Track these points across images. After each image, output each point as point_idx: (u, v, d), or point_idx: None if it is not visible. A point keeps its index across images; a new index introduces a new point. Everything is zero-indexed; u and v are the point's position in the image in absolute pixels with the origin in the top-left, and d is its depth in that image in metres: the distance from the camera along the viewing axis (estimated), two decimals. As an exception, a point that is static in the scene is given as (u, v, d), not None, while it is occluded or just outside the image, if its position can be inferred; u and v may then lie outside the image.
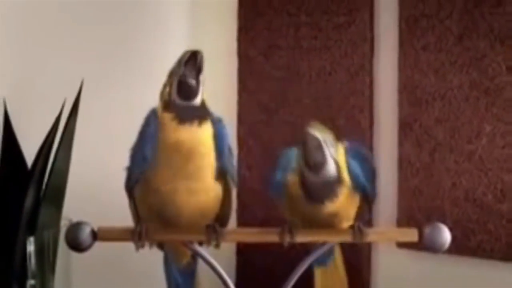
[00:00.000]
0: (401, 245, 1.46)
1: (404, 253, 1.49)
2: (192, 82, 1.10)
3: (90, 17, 1.55)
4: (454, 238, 1.17)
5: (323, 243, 1.18)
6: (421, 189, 1.48)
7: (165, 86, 1.13)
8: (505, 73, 1.39)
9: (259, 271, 1.64)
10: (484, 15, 1.40)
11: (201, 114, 1.11)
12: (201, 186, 1.13)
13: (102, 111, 1.54)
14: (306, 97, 1.61)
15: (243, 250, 1.67)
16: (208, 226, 1.15)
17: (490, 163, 1.41)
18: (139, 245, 1.13)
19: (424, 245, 1.16)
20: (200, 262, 1.20)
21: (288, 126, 1.62)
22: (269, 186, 1.18)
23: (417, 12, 1.48)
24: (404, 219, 1.50)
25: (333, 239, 1.18)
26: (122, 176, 1.17)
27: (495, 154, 1.41)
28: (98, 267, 1.45)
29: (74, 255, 1.19)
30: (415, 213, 1.49)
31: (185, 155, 1.10)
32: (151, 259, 1.29)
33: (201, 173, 1.12)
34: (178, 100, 1.11)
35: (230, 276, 1.19)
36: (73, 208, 1.33)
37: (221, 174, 1.15)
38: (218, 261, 1.17)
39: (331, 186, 1.10)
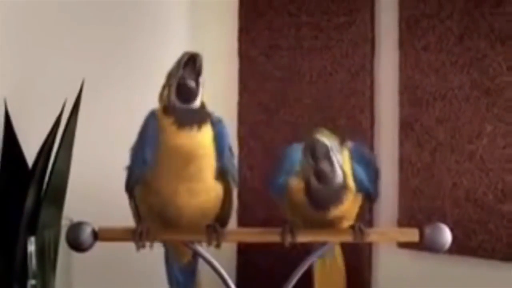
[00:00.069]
0: (402, 245, 1.46)
1: (405, 253, 1.49)
2: (192, 84, 1.10)
3: (90, 17, 1.55)
4: (455, 238, 1.17)
5: (324, 243, 1.18)
6: (421, 189, 1.48)
7: (164, 88, 1.12)
8: (506, 73, 1.39)
9: (260, 271, 1.64)
10: (484, 15, 1.40)
11: (201, 117, 1.11)
12: (202, 186, 1.13)
13: (103, 111, 1.54)
14: (307, 97, 1.61)
15: (244, 250, 1.67)
16: (208, 226, 1.15)
17: (491, 163, 1.41)
18: (140, 245, 1.13)
19: (425, 245, 1.16)
20: (201, 261, 1.20)
21: (288, 126, 1.62)
22: (271, 187, 1.18)
23: (417, 12, 1.48)
24: (405, 219, 1.50)
25: (334, 239, 1.18)
26: (122, 176, 1.17)
27: (496, 154, 1.40)
28: (98, 267, 1.45)
29: (75, 255, 1.19)
30: (415, 213, 1.49)
31: (185, 159, 1.10)
32: (152, 259, 1.29)
33: (202, 174, 1.12)
34: (177, 103, 1.10)
35: (230, 276, 1.19)
36: (74, 208, 1.33)
37: (222, 174, 1.15)
38: (218, 261, 1.17)
39: (337, 194, 1.10)
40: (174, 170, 1.11)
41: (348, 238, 1.16)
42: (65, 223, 1.28)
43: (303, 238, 1.16)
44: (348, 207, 1.13)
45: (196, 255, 1.20)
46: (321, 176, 1.08)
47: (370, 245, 1.54)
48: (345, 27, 1.56)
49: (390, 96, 1.53)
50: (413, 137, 1.49)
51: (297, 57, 1.62)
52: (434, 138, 1.47)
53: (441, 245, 1.15)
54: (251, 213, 1.65)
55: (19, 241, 1.28)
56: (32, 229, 1.28)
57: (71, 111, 1.34)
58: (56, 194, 1.32)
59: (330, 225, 1.15)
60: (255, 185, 1.65)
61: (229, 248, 1.64)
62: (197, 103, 1.11)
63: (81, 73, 1.37)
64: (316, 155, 1.08)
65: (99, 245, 1.15)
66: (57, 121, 1.33)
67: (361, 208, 1.17)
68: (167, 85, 1.12)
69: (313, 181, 1.09)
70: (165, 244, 1.23)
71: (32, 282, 1.27)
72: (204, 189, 1.13)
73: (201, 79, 1.11)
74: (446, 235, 1.15)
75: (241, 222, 1.65)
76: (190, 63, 1.10)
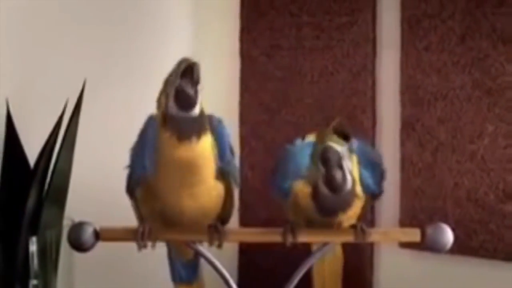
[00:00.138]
0: (404, 245, 1.46)
1: (407, 253, 1.49)
2: (190, 92, 1.08)
3: (92, 17, 1.55)
4: (456, 238, 1.17)
5: (326, 243, 1.18)
6: (423, 189, 1.48)
7: (161, 94, 1.11)
8: (508, 73, 1.39)
9: (262, 271, 1.64)
10: (486, 15, 1.40)
11: (200, 126, 1.09)
12: (203, 189, 1.12)
13: (105, 111, 1.54)
14: (308, 97, 1.61)
15: (245, 250, 1.67)
16: (210, 226, 1.15)
17: (492, 163, 1.41)
18: (141, 245, 1.13)
19: (426, 245, 1.16)
20: (203, 259, 1.20)
21: (290, 126, 1.62)
22: (274, 190, 1.17)
23: (419, 12, 1.48)
24: (407, 219, 1.50)
25: (336, 239, 1.18)
26: (124, 176, 1.17)
27: (497, 154, 1.40)
28: (100, 267, 1.45)
29: (77, 255, 1.19)
30: (417, 213, 1.49)
31: (185, 169, 1.10)
32: (153, 259, 1.29)
33: (202, 179, 1.12)
34: (175, 111, 1.08)
35: (232, 276, 1.19)
36: (76, 208, 1.33)
37: (223, 174, 1.15)
38: (220, 261, 1.17)
39: (345, 201, 1.10)
40: (174, 178, 1.11)
41: (350, 238, 1.16)
42: (66, 223, 1.28)
43: (304, 238, 1.16)
44: (353, 211, 1.13)
45: (197, 254, 1.20)
46: (332, 184, 1.08)
47: (371, 245, 1.54)
48: (347, 27, 1.56)
49: (392, 96, 1.53)
50: (415, 137, 1.49)
51: (299, 57, 1.62)
52: (435, 138, 1.47)
53: (443, 245, 1.15)
54: (253, 213, 1.65)
55: (20, 241, 1.28)
56: (34, 229, 1.28)
57: (72, 111, 1.34)
58: (58, 194, 1.32)
59: (333, 226, 1.15)
60: (257, 185, 1.65)
61: (230, 248, 1.64)
62: (196, 111, 1.09)
63: (83, 73, 1.37)
64: (328, 163, 1.08)
65: (101, 245, 1.16)
66: (59, 121, 1.33)
67: (364, 207, 1.17)
68: (164, 92, 1.10)
69: (322, 187, 1.09)
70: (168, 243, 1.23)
71: (33, 282, 1.28)
72: (205, 190, 1.13)
73: (199, 87, 1.09)
74: (448, 235, 1.15)
75: (243, 222, 1.65)
76: (188, 73, 1.08)
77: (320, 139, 1.12)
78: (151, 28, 1.68)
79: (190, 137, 1.08)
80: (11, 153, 1.31)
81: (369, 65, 1.55)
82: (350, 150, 1.11)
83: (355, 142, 1.13)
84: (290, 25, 1.63)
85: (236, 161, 1.21)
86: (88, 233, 1.14)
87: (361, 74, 1.55)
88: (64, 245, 1.24)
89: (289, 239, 1.15)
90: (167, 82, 1.10)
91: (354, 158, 1.12)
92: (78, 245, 1.14)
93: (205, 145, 1.10)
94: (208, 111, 1.12)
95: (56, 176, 1.32)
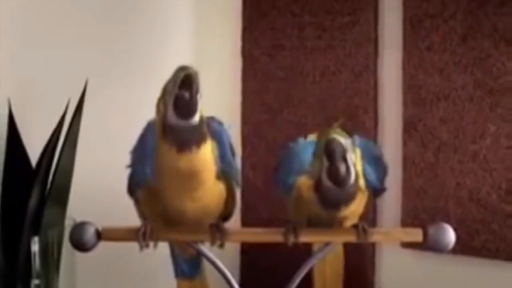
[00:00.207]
0: (406, 245, 1.46)
1: (409, 253, 1.49)
2: (190, 102, 1.06)
3: (94, 17, 1.55)
4: (458, 238, 1.17)
5: (327, 243, 1.18)
6: (425, 189, 1.48)
7: (159, 101, 1.09)
8: (510, 73, 1.39)
9: (263, 271, 1.64)
10: (488, 15, 1.40)
11: (199, 135, 1.08)
12: (204, 190, 1.12)
13: (107, 111, 1.54)
14: (310, 97, 1.61)
15: (247, 250, 1.67)
16: (212, 226, 1.15)
17: (495, 163, 1.41)
18: (143, 245, 1.13)
19: (428, 245, 1.16)
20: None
21: (292, 125, 1.62)
22: (278, 186, 1.17)
23: (421, 12, 1.47)
24: (409, 219, 1.50)
25: (337, 239, 1.18)
26: (126, 177, 1.17)
27: (499, 154, 1.40)
28: (102, 266, 1.45)
29: (79, 254, 1.19)
30: (419, 213, 1.49)
31: (186, 177, 1.09)
32: (155, 259, 1.29)
33: (203, 182, 1.11)
34: (175, 120, 1.07)
35: (234, 276, 1.19)
36: (77, 208, 1.33)
37: (224, 174, 1.15)
38: (222, 261, 1.17)
39: (348, 194, 1.10)
40: (175, 184, 1.10)
41: (352, 238, 1.16)
42: (68, 223, 1.28)
43: (306, 238, 1.16)
44: (356, 206, 1.13)
45: (199, 254, 1.20)
46: (336, 177, 1.07)
47: (373, 245, 1.54)
48: (349, 27, 1.56)
49: (394, 96, 1.53)
50: (417, 137, 1.49)
51: (301, 57, 1.62)
52: (437, 138, 1.47)
53: (445, 245, 1.15)
54: (255, 213, 1.65)
55: (22, 240, 1.28)
56: (36, 229, 1.28)
57: (74, 111, 1.34)
58: (59, 194, 1.32)
59: (335, 223, 1.15)
60: (259, 184, 1.65)
61: (232, 248, 1.64)
62: (195, 119, 1.08)
63: (85, 73, 1.37)
64: (332, 155, 1.07)
65: (103, 245, 1.16)
66: (61, 121, 1.33)
67: (367, 205, 1.17)
68: (162, 99, 1.09)
69: (325, 180, 1.08)
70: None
71: (35, 281, 1.28)
72: (206, 191, 1.13)
73: (198, 96, 1.07)
74: (450, 235, 1.15)
75: (245, 222, 1.65)
76: (187, 82, 1.06)
77: (323, 136, 1.12)
78: (153, 28, 1.68)
79: (190, 147, 1.07)
80: (13, 153, 1.31)
81: (371, 65, 1.55)
82: (354, 144, 1.11)
83: (357, 139, 1.13)
84: (292, 25, 1.63)
85: (238, 161, 1.21)
86: (90, 233, 1.14)
87: (363, 74, 1.55)
88: (66, 245, 1.24)
89: (291, 239, 1.15)
90: (165, 90, 1.08)
91: (358, 152, 1.11)
92: (80, 245, 1.14)
93: (205, 152, 1.09)
94: (210, 111, 1.12)
95: (58, 176, 1.32)
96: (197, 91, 1.07)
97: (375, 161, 1.15)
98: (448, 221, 1.20)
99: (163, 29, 1.70)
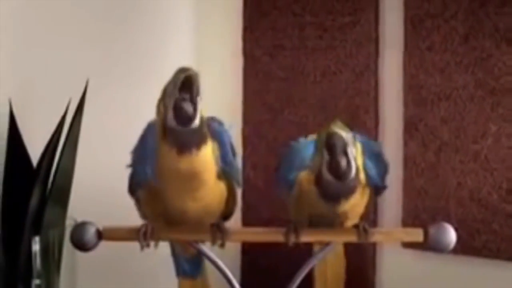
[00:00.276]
0: (406, 245, 1.46)
1: (409, 253, 1.49)
2: (189, 109, 1.06)
3: (95, 17, 1.55)
4: (459, 238, 1.17)
5: (328, 243, 1.18)
6: (426, 189, 1.48)
7: (159, 102, 1.09)
8: (511, 73, 1.39)
9: (264, 270, 1.64)
10: (489, 15, 1.40)
11: (200, 137, 1.08)
12: (205, 190, 1.12)
13: (107, 111, 1.54)
14: (311, 97, 1.61)
15: (248, 250, 1.67)
16: (213, 225, 1.15)
17: (496, 163, 1.41)
18: (144, 245, 1.14)
19: (429, 245, 1.16)
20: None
21: (293, 125, 1.62)
22: (279, 182, 1.17)
23: (422, 12, 1.47)
24: (409, 219, 1.50)
25: (338, 239, 1.18)
26: (126, 176, 1.17)
27: (500, 154, 1.40)
28: (103, 266, 1.45)
29: (79, 254, 1.19)
30: (420, 213, 1.49)
31: (187, 178, 1.09)
32: (156, 258, 1.29)
33: (204, 182, 1.11)
34: (174, 125, 1.07)
35: (235, 276, 1.19)
36: (78, 208, 1.33)
37: (225, 174, 1.15)
38: (223, 261, 1.17)
39: (348, 187, 1.10)
40: (176, 185, 1.10)
41: (353, 238, 1.16)
42: (69, 223, 1.28)
43: (307, 237, 1.16)
44: (356, 201, 1.12)
45: (200, 254, 1.20)
46: (337, 171, 1.07)
47: (374, 245, 1.54)
48: (350, 27, 1.56)
49: (395, 96, 1.53)
50: (418, 137, 1.49)
51: (301, 57, 1.62)
52: (438, 138, 1.47)
53: (446, 245, 1.15)
54: (255, 213, 1.65)
55: (23, 240, 1.28)
56: (37, 229, 1.28)
57: (75, 111, 1.34)
58: (60, 194, 1.33)
59: (336, 220, 1.15)
60: (259, 184, 1.65)
61: (233, 248, 1.64)
62: (196, 123, 1.07)
63: (86, 73, 1.37)
64: (333, 148, 1.07)
65: (104, 245, 1.16)
66: (62, 121, 1.33)
67: (367, 204, 1.17)
68: (162, 101, 1.08)
69: (325, 173, 1.08)
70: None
71: (36, 281, 1.28)
72: (207, 191, 1.13)
73: (198, 99, 1.07)
74: (451, 235, 1.15)
75: (245, 222, 1.65)
76: (187, 85, 1.06)
77: (324, 130, 1.11)
78: (154, 28, 1.68)
79: (190, 149, 1.07)
80: (14, 153, 1.31)
81: (372, 65, 1.55)
82: (355, 138, 1.10)
83: (358, 137, 1.13)
84: (293, 25, 1.63)
85: (239, 161, 1.21)
86: (90, 233, 1.14)
87: (364, 74, 1.55)
88: (67, 244, 1.24)
89: (292, 239, 1.15)
90: (165, 92, 1.08)
91: (359, 146, 1.11)
92: (81, 245, 1.14)
93: (206, 153, 1.09)
94: (210, 111, 1.12)
95: (59, 176, 1.32)
96: (197, 93, 1.06)
97: (375, 157, 1.14)
98: (449, 221, 1.20)
99: (164, 29, 1.70)
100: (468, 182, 1.44)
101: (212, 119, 1.12)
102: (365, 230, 1.15)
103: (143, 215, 1.18)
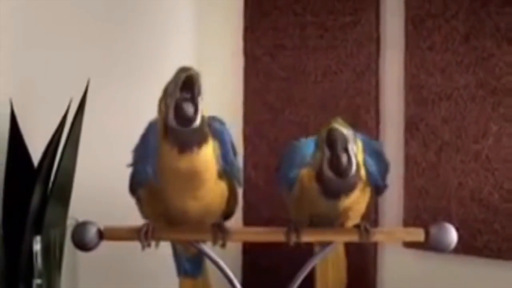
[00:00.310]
0: (408, 245, 1.46)
1: (411, 253, 1.49)
2: (190, 111, 1.06)
3: (96, 16, 1.55)
4: (460, 238, 1.17)
5: (329, 243, 1.18)
6: (427, 189, 1.48)
7: (161, 101, 1.09)
8: (512, 73, 1.39)
9: (265, 270, 1.64)
10: (490, 15, 1.40)
11: (200, 136, 1.08)
12: (206, 189, 1.12)
13: (109, 110, 1.54)
14: (312, 96, 1.61)
15: (249, 250, 1.67)
16: (214, 225, 1.15)
17: (497, 163, 1.41)
18: (145, 245, 1.14)
19: (430, 245, 1.16)
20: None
21: (293, 125, 1.62)
22: (280, 180, 1.17)
23: (423, 12, 1.47)
24: (410, 219, 1.50)
25: (340, 239, 1.18)
26: (128, 176, 1.17)
27: (501, 154, 1.40)
28: (104, 266, 1.45)
29: (81, 254, 1.19)
30: (421, 213, 1.49)
31: (187, 177, 1.09)
32: (157, 258, 1.29)
33: (205, 181, 1.11)
34: (175, 125, 1.07)
35: (236, 275, 1.19)
36: (79, 207, 1.33)
37: (225, 173, 1.15)
38: (224, 261, 1.17)
39: (349, 183, 1.10)
40: (177, 184, 1.10)
41: (354, 237, 1.16)
42: (70, 223, 1.28)
43: (308, 237, 1.16)
44: (357, 199, 1.12)
45: (201, 254, 1.20)
46: (338, 167, 1.07)
47: (375, 244, 1.54)
48: (350, 26, 1.56)
49: (396, 96, 1.53)
50: (419, 137, 1.49)
51: (302, 56, 1.62)
52: (439, 137, 1.47)
53: (447, 244, 1.15)
54: (256, 213, 1.65)
55: (24, 240, 1.28)
56: (38, 229, 1.28)
57: (76, 110, 1.34)
58: (61, 194, 1.33)
59: (337, 220, 1.15)
60: (260, 184, 1.65)
61: (234, 248, 1.64)
62: (197, 123, 1.07)
63: (87, 72, 1.37)
64: (334, 144, 1.07)
65: (105, 245, 1.16)
66: (63, 120, 1.33)
67: (368, 203, 1.17)
68: (163, 100, 1.08)
69: (326, 170, 1.08)
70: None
71: (37, 281, 1.28)
72: (208, 190, 1.13)
73: (199, 99, 1.07)
74: (452, 235, 1.15)
75: (246, 221, 1.65)
76: (188, 85, 1.06)
77: (325, 127, 1.11)
78: (155, 27, 1.68)
79: (191, 148, 1.07)
80: (15, 152, 1.31)
81: (373, 65, 1.55)
82: (355, 135, 1.10)
83: (359, 135, 1.13)
84: (294, 25, 1.63)
85: (240, 160, 1.21)
86: (91, 233, 1.14)
87: (365, 74, 1.55)
88: (68, 244, 1.24)
89: (293, 239, 1.15)
90: (166, 92, 1.08)
91: (359, 143, 1.11)
92: (82, 245, 1.14)
93: (207, 152, 1.09)
94: (212, 111, 1.12)
95: (60, 176, 1.32)
96: (198, 93, 1.06)
97: (376, 156, 1.14)
98: (450, 221, 1.20)
99: (165, 29, 1.70)
100: (469, 182, 1.44)
101: (213, 118, 1.12)
102: (366, 230, 1.15)
103: (144, 215, 1.18)
